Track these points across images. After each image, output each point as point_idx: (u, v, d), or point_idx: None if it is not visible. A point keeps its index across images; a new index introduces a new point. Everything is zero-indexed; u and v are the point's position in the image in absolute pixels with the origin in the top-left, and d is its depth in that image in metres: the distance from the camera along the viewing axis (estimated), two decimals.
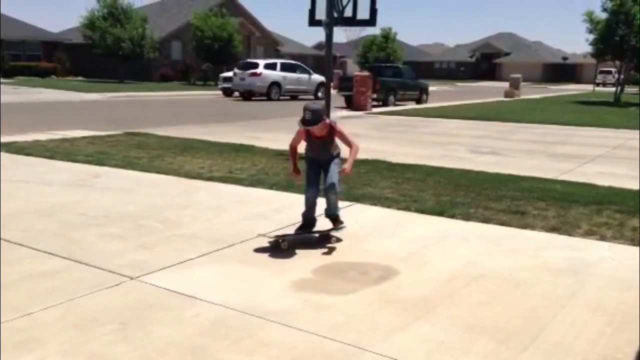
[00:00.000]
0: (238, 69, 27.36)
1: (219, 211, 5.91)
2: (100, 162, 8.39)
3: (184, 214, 5.74)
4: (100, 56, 38.08)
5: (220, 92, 29.66)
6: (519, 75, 36.28)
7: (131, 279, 3.97)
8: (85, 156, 8.87)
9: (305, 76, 28.30)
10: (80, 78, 41.36)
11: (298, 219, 5.11)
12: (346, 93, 23.00)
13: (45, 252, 4.45)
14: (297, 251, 4.69)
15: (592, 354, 3.09)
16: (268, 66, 27.25)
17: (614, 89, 34.47)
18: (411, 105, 24.56)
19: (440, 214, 5.93)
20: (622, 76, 32.23)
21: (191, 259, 4.41)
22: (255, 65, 27.20)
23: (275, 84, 26.87)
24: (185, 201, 6.29)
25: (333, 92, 10.43)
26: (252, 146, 10.47)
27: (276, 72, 27.18)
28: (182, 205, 6.07)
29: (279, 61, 28.91)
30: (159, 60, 40.75)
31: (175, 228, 5.24)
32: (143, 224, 5.34)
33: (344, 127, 4.90)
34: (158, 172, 7.81)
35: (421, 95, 26.77)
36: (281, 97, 27.10)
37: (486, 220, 5.73)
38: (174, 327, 3.28)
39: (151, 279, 3.98)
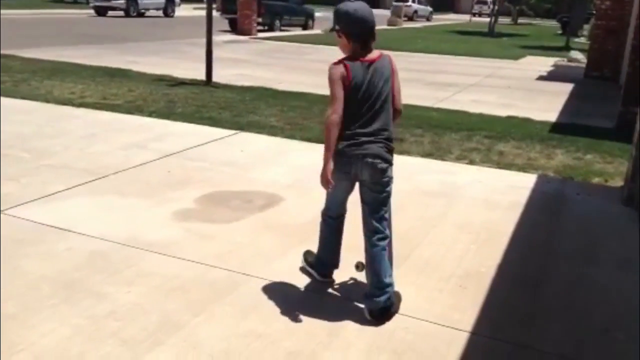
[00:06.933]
0: None
1: (93, 140, 5.59)
2: None
3: (54, 143, 5.37)
4: None
5: (92, 11, 27.48)
6: (401, 4, 36.81)
7: None
8: None
9: None
10: None
11: (178, 149, 4.92)
12: (230, 16, 22.16)
13: None
14: (177, 182, 4.58)
15: (459, 269, 3.35)
16: None
17: (488, 19, 36.07)
18: (297, 32, 24.25)
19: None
20: (496, 7, 33.77)
21: (63, 191, 4.17)
22: None
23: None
24: (54, 129, 5.87)
25: (216, 14, 10.01)
26: (129, 70, 9.89)
27: None
28: (51, 134, 5.67)
29: None
30: None
31: (44, 158, 4.90)
32: (7, 153, 4.94)
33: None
34: (23, 98, 7.23)
35: (307, 21, 26.46)
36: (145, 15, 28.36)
37: None
38: (46, 261, 3.12)
39: (19, 212, 3.73)
